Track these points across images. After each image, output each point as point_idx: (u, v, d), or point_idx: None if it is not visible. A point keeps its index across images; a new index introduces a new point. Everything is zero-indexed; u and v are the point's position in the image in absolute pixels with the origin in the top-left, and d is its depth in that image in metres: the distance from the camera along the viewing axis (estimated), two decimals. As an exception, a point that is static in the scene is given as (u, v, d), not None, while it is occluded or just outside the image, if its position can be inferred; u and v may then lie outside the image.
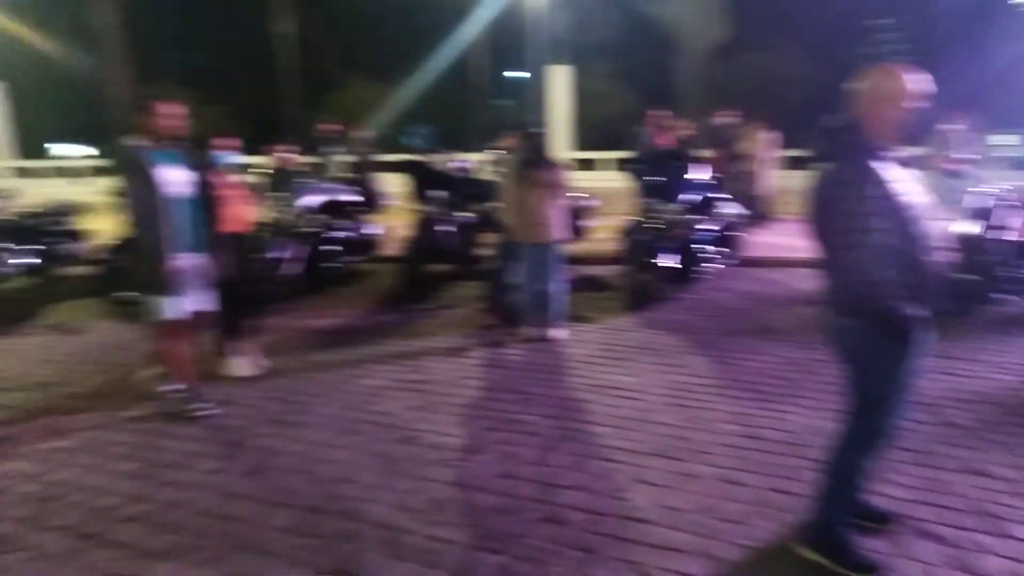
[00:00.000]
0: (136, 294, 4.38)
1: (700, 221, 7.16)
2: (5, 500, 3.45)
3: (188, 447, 3.99)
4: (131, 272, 4.38)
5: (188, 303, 4.25)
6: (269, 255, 7.33)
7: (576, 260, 8.41)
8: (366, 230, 8.78)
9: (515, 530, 3.09)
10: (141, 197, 4.03)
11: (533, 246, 5.72)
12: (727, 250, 7.66)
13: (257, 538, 3.07)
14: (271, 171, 8.29)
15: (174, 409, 4.41)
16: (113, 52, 23.57)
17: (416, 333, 6.11)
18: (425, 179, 8.03)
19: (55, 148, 34.40)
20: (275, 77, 26.82)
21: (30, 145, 23.21)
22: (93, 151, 34.71)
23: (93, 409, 4.56)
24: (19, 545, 3.06)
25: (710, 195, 7.50)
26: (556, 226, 5.69)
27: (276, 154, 8.40)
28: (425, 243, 7.64)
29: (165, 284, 4.12)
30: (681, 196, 7.10)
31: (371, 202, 9.35)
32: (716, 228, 7.44)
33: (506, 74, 29.99)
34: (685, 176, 7.31)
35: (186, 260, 4.17)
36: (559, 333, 5.82)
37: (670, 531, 3.06)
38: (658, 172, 7.36)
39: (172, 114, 4.12)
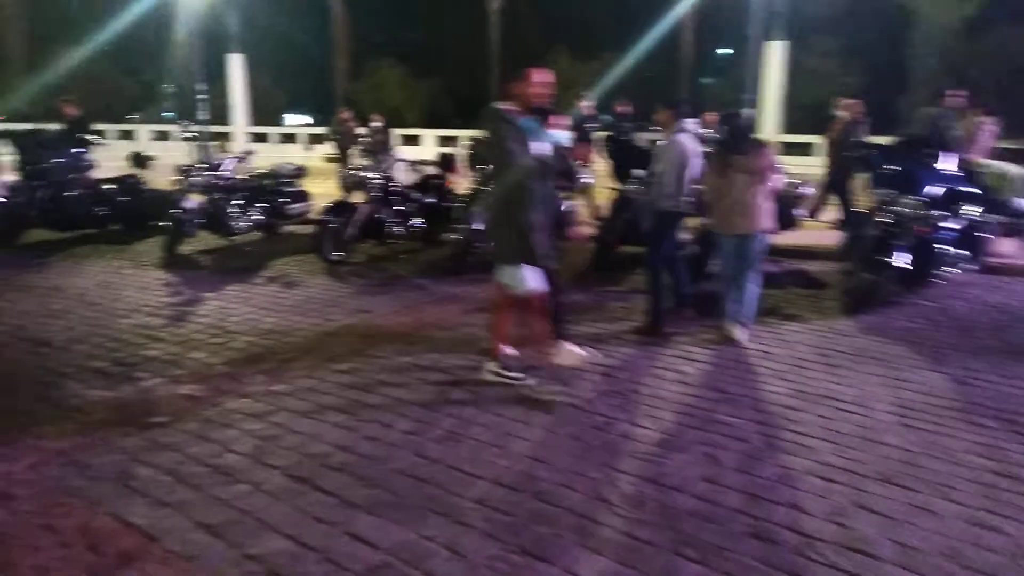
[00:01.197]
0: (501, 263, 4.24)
1: (942, 218, 6.28)
2: (232, 434, 3.76)
3: (388, 405, 4.13)
4: (494, 240, 4.31)
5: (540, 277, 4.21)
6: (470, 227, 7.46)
7: (785, 253, 7.82)
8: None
9: (718, 541, 2.84)
10: (515, 164, 3.98)
11: (734, 236, 5.28)
12: (970, 253, 6.68)
13: (453, 505, 3.08)
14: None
15: (497, 379, 4.44)
16: (340, 26, 25.42)
17: (606, 317, 5.94)
18: (625, 157, 7.77)
19: (288, 118, 37.99)
20: (483, 52, 27.49)
21: (262, 113, 25.77)
22: (311, 119, 37.95)
23: (309, 359, 4.89)
24: (242, 478, 3.30)
25: (957, 189, 6.55)
26: (761, 216, 5.20)
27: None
28: (620, 223, 7.41)
29: (532, 254, 4.12)
30: (925, 189, 6.25)
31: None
32: (959, 227, 6.50)
33: (718, 51, 28.62)
34: (932, 166, 6.43)
35: (546, 232, 4.16)
36: (742, 334, 5.33)
37: (905, 572, 2.66)
38: (898, 160, 6.54)
39: (543, 83, 4.07)
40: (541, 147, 4.09)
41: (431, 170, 9.25)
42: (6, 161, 9.86)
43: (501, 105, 4.08)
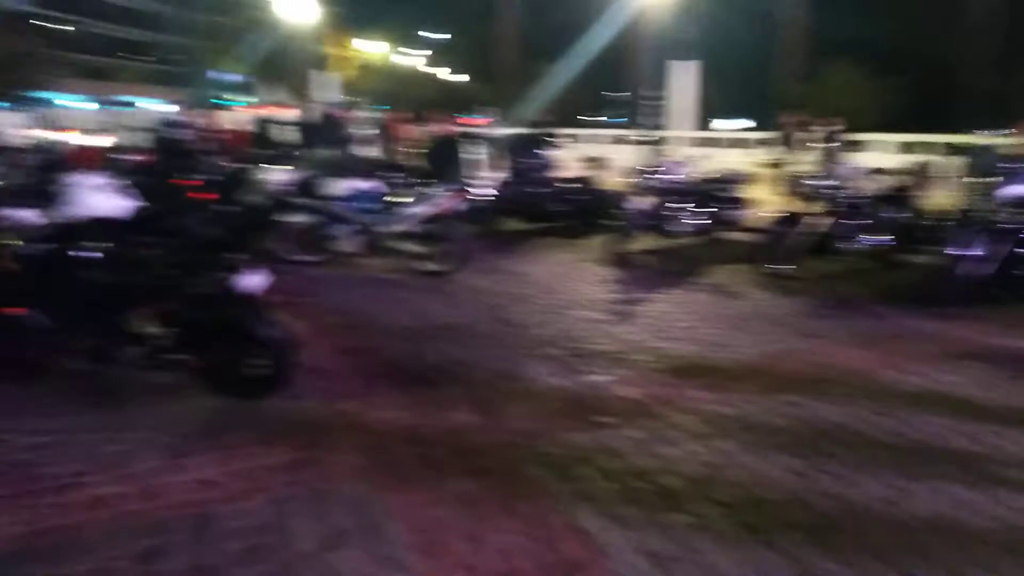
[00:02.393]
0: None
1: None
2: (676, 454, 3.58)
3: (851, 457, 3.52)
4: None
5: None
6: (951, 250, 6.26)
7: None
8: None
9: None
10: None
11: None
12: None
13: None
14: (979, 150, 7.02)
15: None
16: (792, 25, 24.18)
17: None
18: None
19: (721, 123, 37.85)
20: (959, 45, 23.41)
21: (707, 117, 25.88)
22: (748, 124, 36.98)
23: (754, 382, 4.51)
24: (685, 507, 3.08)
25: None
26: None
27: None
28: None
29: None
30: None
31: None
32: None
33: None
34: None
35: None
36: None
37: None
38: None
39: None
40: None
41: (898, 180, 8.08)
42: (486, 159, 11.62)
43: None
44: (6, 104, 35.33)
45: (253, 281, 3.87)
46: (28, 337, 3.92)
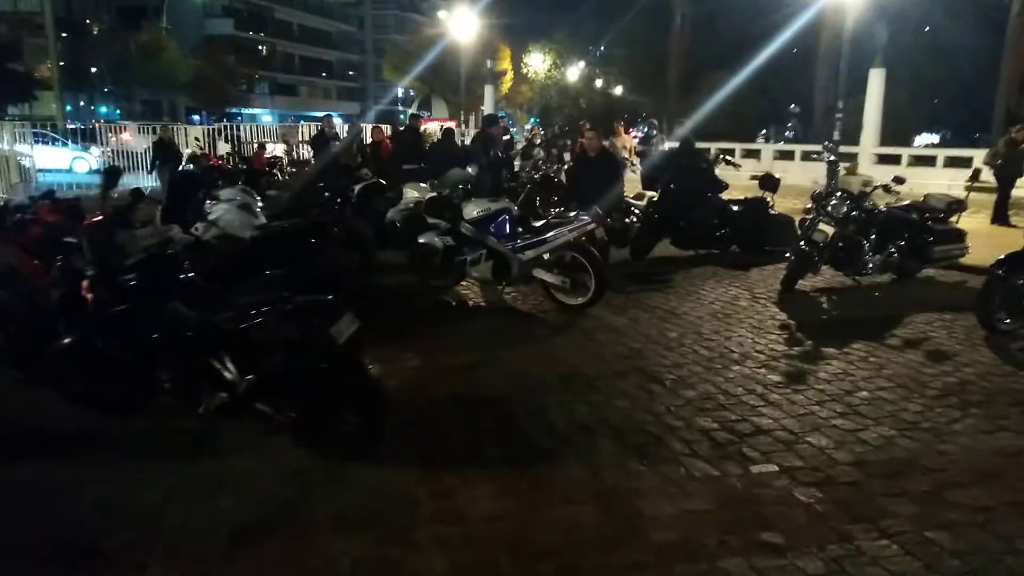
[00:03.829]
0: None
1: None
2: None
3: None
4: None
5: None
6: None
7: None
8: None
9: None
10: None
11: None
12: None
13: None
14: None
15: None
16: (1017, 24, 20.95)
17: None
18: None
19: (922, 138, 34.03)
20: None
21: (894, 133, 23.01)
22: (935, 139, 32.81)
23: (980, 490, 3.29)
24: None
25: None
26: None
27: None
28: None
29: None
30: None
31: None
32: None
33: None
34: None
35: None
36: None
37: None
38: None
39: None
40: None
41: None
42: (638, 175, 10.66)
43: None
44: (196, 117, 39.01)
45: (346, 328, 3.28)
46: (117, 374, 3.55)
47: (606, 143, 13.68)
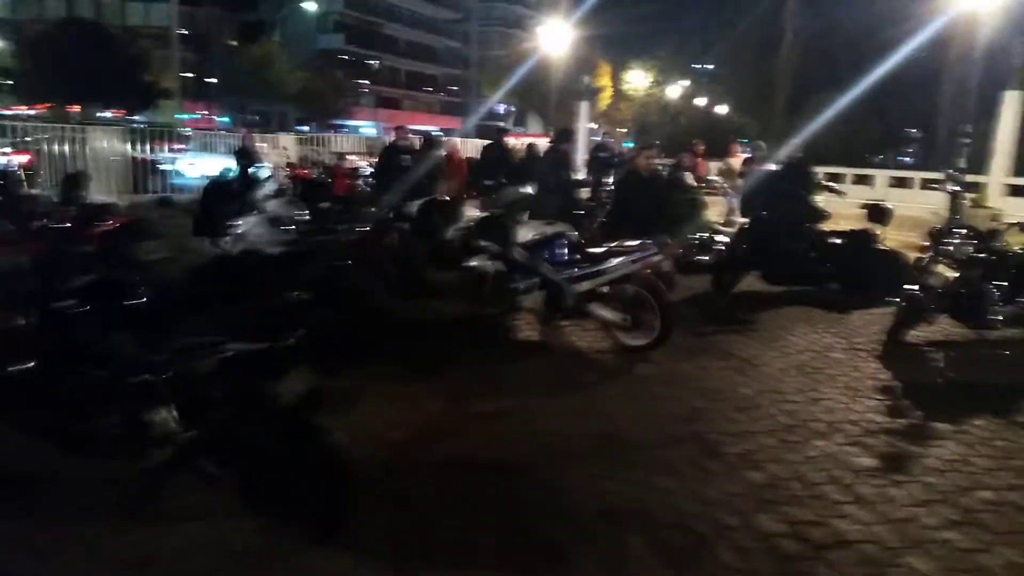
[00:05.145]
0: None
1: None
2: None
3: None
4: None
5: None
6: None
7: None
8: None
9: None
10: None
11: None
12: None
13: None
14: None
15: None
16: None
17: None
18: None
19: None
20: None
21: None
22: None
23: None
24: None
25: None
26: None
27: None
28: None
29: None
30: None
31: None
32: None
33: None
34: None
35: None
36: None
37: None
38: None
39: None
40: None
41: None
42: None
43: None
44: (306, 128, 40.25)
45: (297, 384, 2.64)
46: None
47: (721, 164, 12.76)
